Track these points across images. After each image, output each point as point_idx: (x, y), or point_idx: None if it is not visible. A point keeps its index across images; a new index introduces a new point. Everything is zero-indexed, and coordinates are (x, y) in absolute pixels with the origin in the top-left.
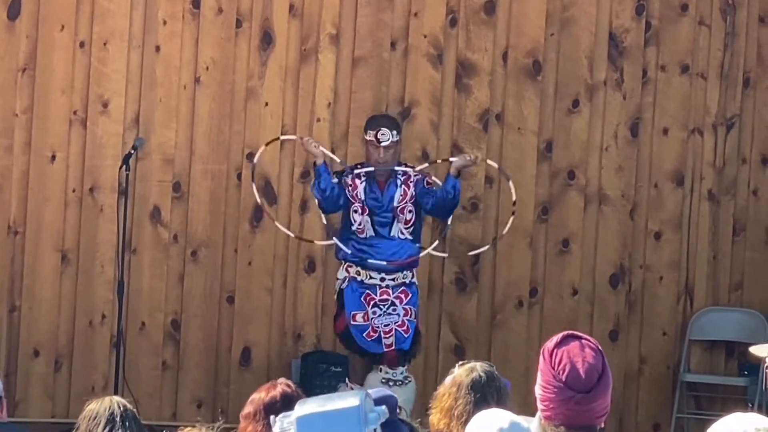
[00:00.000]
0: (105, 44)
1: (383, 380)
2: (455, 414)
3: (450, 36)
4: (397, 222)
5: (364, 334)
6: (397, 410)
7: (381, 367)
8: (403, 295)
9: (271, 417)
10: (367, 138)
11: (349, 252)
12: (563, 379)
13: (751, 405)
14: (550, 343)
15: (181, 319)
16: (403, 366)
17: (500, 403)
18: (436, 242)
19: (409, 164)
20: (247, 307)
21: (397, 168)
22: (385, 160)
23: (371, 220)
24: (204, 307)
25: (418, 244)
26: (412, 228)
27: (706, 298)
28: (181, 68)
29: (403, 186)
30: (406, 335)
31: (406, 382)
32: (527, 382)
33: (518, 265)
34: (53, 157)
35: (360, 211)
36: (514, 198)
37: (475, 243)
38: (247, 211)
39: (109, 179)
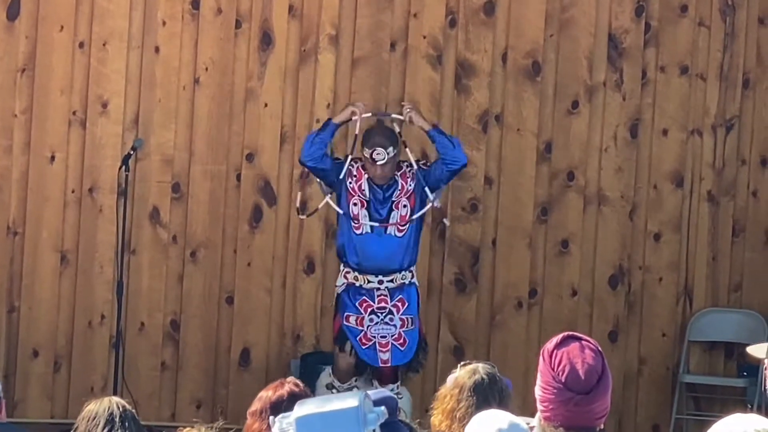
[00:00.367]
0: (104, 45)
1: (328, 386)
2: (457, 416)
3: (449, 37)
4: (393, 218)
5: (357, 338)
6: (397, 412)
7: (374, 381)
8: (400, 304)
9: (271, 417)
10: (364, 155)
11: (342, 212)
12: (563, 380)
13: (750, 406)
14: (550, 344)
15: (180, 320)
16: (395, 383)
17: (502, 404)
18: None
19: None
20: (247, 308)
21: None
22: (382, 175)
23: (369, 215)
24: (203, 308)
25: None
26: (407, 225)
27: (705, 299)
28: (180, 69)
29: (400, 180)
30: (402, 349)
31: (399, 397)
32: (527, 383)
33: (517, 266)
34: (52, 158)
35: (359, 204)
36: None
37: (474, 244)
38: (247, 211)
39: (109, 180)
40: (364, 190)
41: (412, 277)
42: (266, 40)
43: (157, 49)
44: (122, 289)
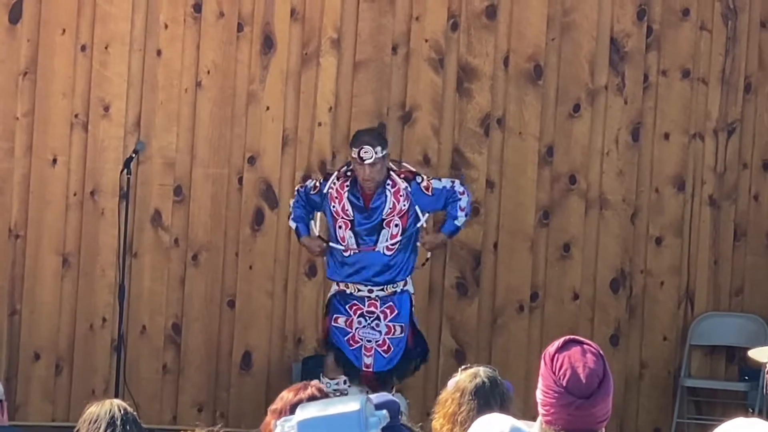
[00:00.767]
0: (106, 48)
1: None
2: (459, 420)
3: (451, 40)
4: (383, 236)
5: (345, 339)
6: (400, 415)
7: (367, 389)
8: (388, 311)
9: (273, 421)
10: (352, 155)
11: (346, 253)
12: (564, 384)
13: (751, 410)
14: (552, 348)
15: (181, 323)
16: (386, 390)
17: (504, 408)
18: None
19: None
20: (248, 311)
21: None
22: (371, 177)
23: (355, 235)
24: (205, 311)
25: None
26: (397, 244)
27: (706, 303)
28: (182, 72)
29: (392, 198)
30: (385, 356)
31: None
32: (528, 387)
33: (519, 270)
34: (54, 161)
35: (344, 226)
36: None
37: (475, 247)
38: (248, 215)
39: (110, 183)
40: (347, 210)
41: (405, 285)
42: (268, 43)
43: (159, 53)
44: (124, 293)
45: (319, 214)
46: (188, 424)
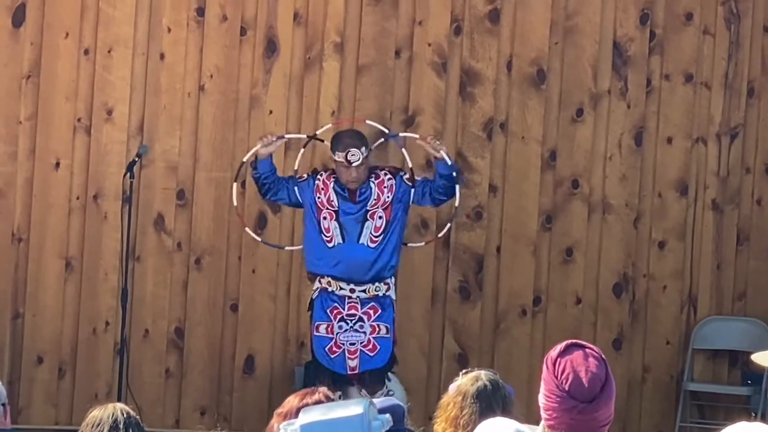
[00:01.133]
0: (109, 51)
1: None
2: (461, 423)
3: (454, 44)
4: (367, 228)
5: (326, 348)
6: (404, 420)
7: (361, 392)
8: (372, 312)
9: (275, 425)
10: (337, 159)
11: (284, 247)
12: (566, 389)
13: (754, 414)
14: (554, 352)
15: (184, 327)
16: (381, 388)
17: (506, 411)
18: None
19: (393, 167)
20: (251, 315)
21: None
22: (356, 178)
23: (340, 226)
24: (207, 315)
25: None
26: (381, 236)
27: (709, 307)
28: (185, 76)
29: (376, 190)
30: (371, 354)
31: (390, 394)
32: (530, 391)
33: (522, 274)
34: (57, 164)
35: (329, 217)
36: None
37: (478, 251)
38: (251, 218)
39: (113, 186)
40: (332, 201)
41: (388, 290)
42: (271, 47)
43: (162, 56)
44: (127, 296)
45: (294, 248)
46: (191, 428)
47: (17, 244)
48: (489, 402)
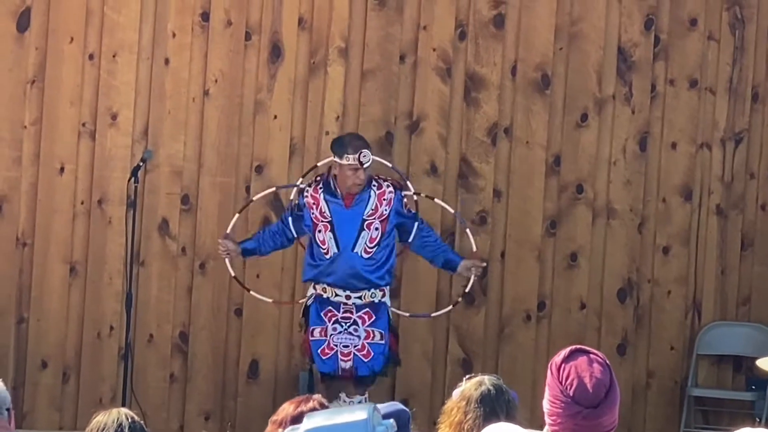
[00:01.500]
0: (114, 56)
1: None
2: (465, 428)
3: (459, 49)
4: (362, 237)
5: (319, 350)
6: (409, 425)
7: (340, 394)
8: (366, 316)
9: (279, 430)
10: (346, 162)
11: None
12: (571, 394)
13: (758, 420)
14: (558, 358)
15: (189, 332)
16: (363, 395)
17: (510, 416)
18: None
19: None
20: (255, 320)
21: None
22: (363, 181)
23: (334, 237)
24: (212, 320)
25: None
26: (376, 247)
27: (713, 313)
28: (189, 81)
29: (375, 200)
30: (365, 360)
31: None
32: (534, 396)
33: (526, 279)
34: (62, 169)
35: (323, 229)
36: (474, 248)
37: (483, 256)
38: (255, 224)
39: (118, 191)
40: (324, 212)
41: (383, 296)
42: (276, 52)
43: (166, 61)
44: (131, 301)
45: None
46: None
47: (22, 249)
48: (493, 407)
